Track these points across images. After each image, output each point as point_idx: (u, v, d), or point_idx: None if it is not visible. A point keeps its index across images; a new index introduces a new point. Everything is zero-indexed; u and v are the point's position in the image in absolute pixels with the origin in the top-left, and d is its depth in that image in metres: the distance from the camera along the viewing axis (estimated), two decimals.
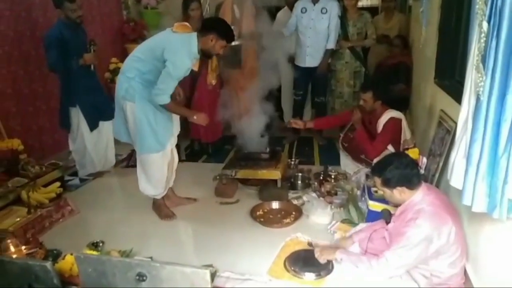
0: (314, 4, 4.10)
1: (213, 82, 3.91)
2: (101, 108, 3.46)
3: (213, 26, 2.67)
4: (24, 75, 3.67)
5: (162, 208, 2.97)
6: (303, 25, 4.15)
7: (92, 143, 3.52)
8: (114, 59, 4.76)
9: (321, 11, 4.08)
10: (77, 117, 3.43)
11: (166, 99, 2.59)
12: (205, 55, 2.73)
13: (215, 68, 3.87)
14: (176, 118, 2.91)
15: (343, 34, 4.24)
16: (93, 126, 3.48)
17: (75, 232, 2.79)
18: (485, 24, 1.35)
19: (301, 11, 4.14)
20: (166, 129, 2.78)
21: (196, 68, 2.78)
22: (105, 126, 3.55)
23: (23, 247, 2.23)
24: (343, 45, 4.28)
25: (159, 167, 2.82)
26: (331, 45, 4.13)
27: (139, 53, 2.69)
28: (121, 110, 2.75)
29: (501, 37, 1.30)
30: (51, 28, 3.30)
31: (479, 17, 1.40)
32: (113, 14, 4.98)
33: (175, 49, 2.55)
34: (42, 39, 3.76)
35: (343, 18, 4.17)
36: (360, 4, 4.94)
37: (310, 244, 2.40)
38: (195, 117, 2.74)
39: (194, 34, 2.64)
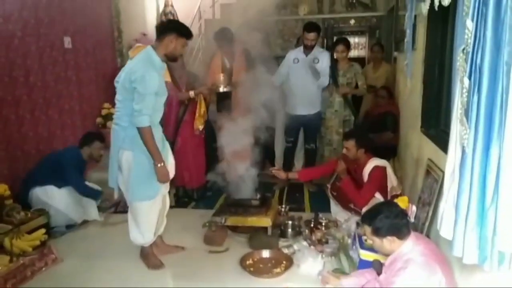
0: (307, 56, 4.24)
1: (200, 127, 3.94)
2: None
3: (169, 28, 2.67)
4: (15, 119, 3.69)
5: (150, 257, 2.89)
6: (295, 75, 4.26)
7: (64, 202, 3.45)
8: (106, 105, 4.83)
9: (313, 61, 4.21)
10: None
11: (145, 121, 2.53)
12: (170, 59, 2.72)
13: (204, 114, 3.92)
14: (171, 164, 2.90)
15: (334, 84, 4.36)
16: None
17: (58, 282, 2.69)
18: (466, 80, 1.42)
19: (293, 62, 4.27)
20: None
21: (167, 79, 2.76)
22: None
23: None
24: (337, 91, 4.37)
25: (149, 215, 2.79)
26: (325, 81, 4.22)
27: (118, 96, 2.71)
28: (115, 159, 2.73)
29: (482, 92, 1.36)
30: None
31: (461, 73, 1.47)
32: (107, 61, 5.11)
33: (136, 69, 2.54)
34: (35, 84, 3.85)
35: (333, 68, 4.31)
36: (349, 55, 5.14)
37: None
38: (159, 165, 2.63)
39: (149, 47, 2.67)
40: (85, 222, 3.61)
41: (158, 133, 2.77)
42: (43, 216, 3.24)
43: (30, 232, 3.01)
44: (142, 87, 2.50)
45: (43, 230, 3.04)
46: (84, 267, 2.89)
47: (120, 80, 2.66)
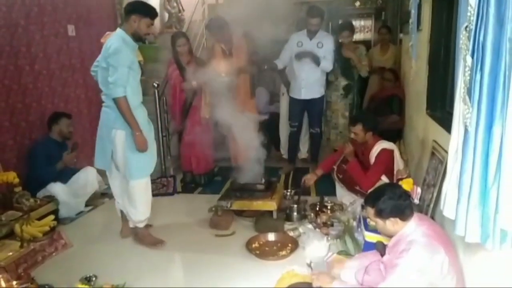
0: (311, 39, 4.19)
1: (207, 116, 3.95)
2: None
3: (132, 8, 2.74)
4: (22, 108, 3.72)
5: (147, 237, 2.99)
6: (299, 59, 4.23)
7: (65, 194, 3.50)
8: None
9: (317, 45, 4.16)
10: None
11: (120, 92, 2.63)
12: (136, 39, 2.79)
13: (209, 102, 3.93)
14: (154, 149, 2.98)
15: (340, 68, 4.31)
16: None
17: (68, 266, 2.75)
18: (469, 59, 1.40)
19: (297, 45, 4.23)
20: (153, 152, 2.89)
21: (140, 58, 2.92)
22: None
23: (14, 283, 2.20)
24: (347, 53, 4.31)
25: (146, 192, 2.92)
26: (329, 66, 4.17)
27: (99, 79, 2.80)
28: (108, 140, 2.80)
29: (485, 70, 1.34)
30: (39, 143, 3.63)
31: (463, 52, 1.45)
32: None
33: (109, 45, 2.66)
34: (40, 73, 3.87)
35: (339, 52, 4.25)
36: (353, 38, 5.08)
37: (309, 265, 2.42)
38: (137, 134, 2.71)
39: (118, 29, 2.78)
40: (93, 209, 3.68)
41: (143, 115, 2.85)
42: (52, 202, 3.30)
43: (39, 218, 3.07)
44: (115, 59, 2.61)
45: (52, 217, 3.10)
46: (94, 251, 2.95)
47: (99, 65, 2.77)
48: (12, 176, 3.13)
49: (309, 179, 3.55)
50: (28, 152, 3.62)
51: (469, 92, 1.42)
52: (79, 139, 4.12)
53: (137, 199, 2.88)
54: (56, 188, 3.44)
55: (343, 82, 4.36)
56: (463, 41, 1.44)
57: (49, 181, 3.47)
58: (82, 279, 2.44)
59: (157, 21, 6.02)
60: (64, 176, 3.60)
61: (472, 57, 1.39)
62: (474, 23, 1.37)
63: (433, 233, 1.86)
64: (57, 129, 3.64)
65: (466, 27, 1.42)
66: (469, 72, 1.41)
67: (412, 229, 1.89)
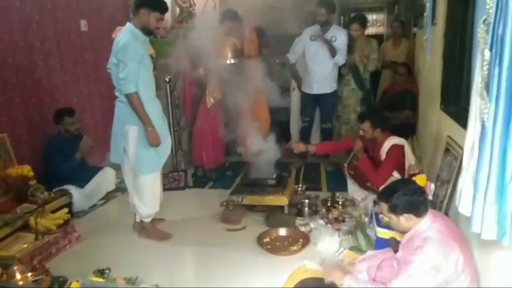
0: (324, 33, 4.16)
1: (209, 105, 3.95)
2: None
3: (142, 2, 2.73)
4: (36, 102, 3.76)
5: (154, 231, 3.02)
6: (312, 53, 4.19)
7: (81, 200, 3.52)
8: None
9: (331, 39, 4.13)
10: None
11: (131, 87, 2.64)
12: (146, 33, 2.79)
13: (212, 91, 3.94)
14: (168, 143, 3.00)
15: (351, 61, 4.28)
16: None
17: (82, 258, 2.79)
18: (487, 52, 1.37)
19: (310, 39, 4.20)
20: (165, 147, 2.91)
21: (151, 52, 2.94)
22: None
23: (29, 274, 2.23)
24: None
25: (155, 186, 2.93)
26: (342, 60, 4.14)
27: (112, 75, 2.80)
28: (122, 134, 2.83)
29: (504, 64, 1.31)
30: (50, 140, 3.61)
31: (481, 45, 1.42)
32: None
33: (119, 40, 2.67)
34: (53, 68, 3.90)
35: (351, 46, 4.21)
36: (366, 32, 5.03)
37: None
38: (149, 129, 2.73)
39: (128, 23, 2.76)
40: (106, 202, 3.73)
41: (157, 110, 2.86)
42: (66, 196, 3.34)
43: (53, 211, 3.11)
44: (124, 54, 2.61)
45: (66, 210, 3.14)
46: (107, 244, 2.98)
47: (111, 61, 2.78)
48: (26, 170, 3.17)
49: (298, 146, 3.62)
50: (43, 148, 3.65)
51: (487, 86, 1.40)
52: (92, 134, 4.16)
53: (145, 194, 2.90)
54: (73, 193, 3.44)
55: (359, 94, 4.38)
56: (481, 35, 1.41)
57: (70, 175, 3.49)
58: (96, 271, 2.47)
59: (168, 16, 6.05)
60: (82, 175, 3.61)
61: (491, 51, 1.36)
62: (493, 16, 1.33)
63: (448, 230, 1.84)
64: (63, 128, 3.64)
65: (485, 20, 1.39)
66: (487, 66, 1.38)
67: (426, 226, 1.86)
